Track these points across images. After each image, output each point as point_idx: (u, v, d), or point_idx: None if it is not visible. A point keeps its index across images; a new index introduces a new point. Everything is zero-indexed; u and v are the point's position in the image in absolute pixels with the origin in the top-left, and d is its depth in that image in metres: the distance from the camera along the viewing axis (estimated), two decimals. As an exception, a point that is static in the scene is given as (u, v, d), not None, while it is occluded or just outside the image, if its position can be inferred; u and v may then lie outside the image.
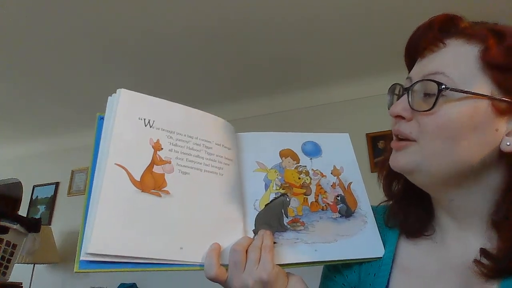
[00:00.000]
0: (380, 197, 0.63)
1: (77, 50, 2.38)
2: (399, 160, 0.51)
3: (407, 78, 0.53)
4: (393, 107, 0.51)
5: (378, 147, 2.67)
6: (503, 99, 0.45)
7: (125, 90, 0.54)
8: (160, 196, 0.51)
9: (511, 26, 0.48)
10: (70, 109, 3.18)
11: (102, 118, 0.54)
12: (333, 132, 0.70)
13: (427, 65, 0.50)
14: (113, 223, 0.46)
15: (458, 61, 0.47)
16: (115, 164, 0.49)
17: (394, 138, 0.53)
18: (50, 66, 2.55)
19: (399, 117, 0.51)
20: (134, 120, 0.53)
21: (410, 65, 0.55)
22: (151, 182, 0.51)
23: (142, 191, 0.50)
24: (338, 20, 2.13)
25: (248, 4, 1.99)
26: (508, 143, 0.45)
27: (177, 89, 2.87)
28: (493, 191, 0.48)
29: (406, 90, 0.50)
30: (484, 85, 0.46)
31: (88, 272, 0.44)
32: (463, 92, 0.45)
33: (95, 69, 2.60)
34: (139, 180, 0.50)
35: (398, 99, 0.54)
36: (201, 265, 0.50)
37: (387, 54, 2.44)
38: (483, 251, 0.47)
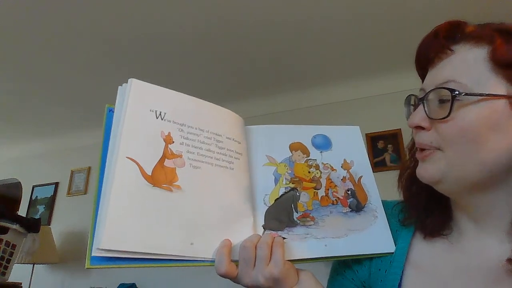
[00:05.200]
0: (382, 195, 0.63)
1: (77, 50, 2.36)
2: (427, 169, 0.50)
3: (420, 89, 0.53)
4: (411, 118, 0.51)
5: (378, 147, 2.67)
6: None
7: (136, 80, 0.52)
8: (171, 191, 0.49)
9: None
10: (70, 109, 3.16)
11: (111, 110, 0.52)
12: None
13: (438, 74, 0.50)
14: (124, 219, 0.45)
15: (468, 66, 0.47)
16: (127, 157, 0.47)
17: (418, 149, 0.52)
18: (49, 66, 2.53)
19: (418, 127, 0.51)
20: (146, 112, 0.51)
21: (422, 75, 0.55)
22: (162, 177, 0.49)
23: (153, 186, 0.48)
24: (337, 20, 2.13)
25: (247, 4, 1.98)
26: None
27: (176, 89, 2.86)
28: None
29: (421, 100, 0.50)
30: (499, 85, 0.45)
31: (100, 268, 0.43)
32: (477, 95, 0.45)
33: (95, 69, 2.59)
34: (150, 174, 0.48)
35: (414, 109, 0.54)
36: (212, 261, 0.49)
37: (388, 54, 2.44)
38: None
